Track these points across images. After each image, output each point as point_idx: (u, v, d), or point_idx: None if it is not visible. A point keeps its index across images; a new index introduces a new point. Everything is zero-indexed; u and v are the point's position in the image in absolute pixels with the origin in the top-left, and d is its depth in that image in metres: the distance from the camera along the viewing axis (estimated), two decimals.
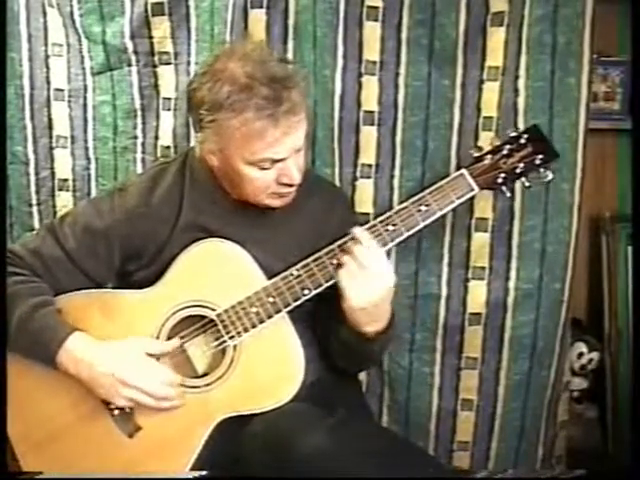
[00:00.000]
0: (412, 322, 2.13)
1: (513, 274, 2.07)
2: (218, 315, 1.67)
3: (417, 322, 2.13)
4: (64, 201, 2.18)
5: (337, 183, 2.04)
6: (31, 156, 2.17)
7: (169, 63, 2.08)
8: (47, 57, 2.12)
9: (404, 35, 1.99)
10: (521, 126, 1.94)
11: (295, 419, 1.59)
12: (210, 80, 1.59)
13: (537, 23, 1.93)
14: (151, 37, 2.06)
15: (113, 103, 2.12)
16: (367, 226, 1.69)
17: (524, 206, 2.03)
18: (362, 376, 2.14)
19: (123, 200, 1.74)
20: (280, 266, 1.69)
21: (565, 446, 2.28)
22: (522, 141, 1.73)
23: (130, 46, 2.07)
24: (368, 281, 1.62)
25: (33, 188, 2.18)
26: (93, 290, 1.74)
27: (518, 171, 1.74)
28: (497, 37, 1.95)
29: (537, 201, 2.02)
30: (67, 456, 1.71)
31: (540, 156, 1.73)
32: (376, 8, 1.97)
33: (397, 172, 2.05)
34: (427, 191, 1.72)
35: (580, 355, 2.44)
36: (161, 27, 2.05)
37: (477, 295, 2.09)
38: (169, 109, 2.09)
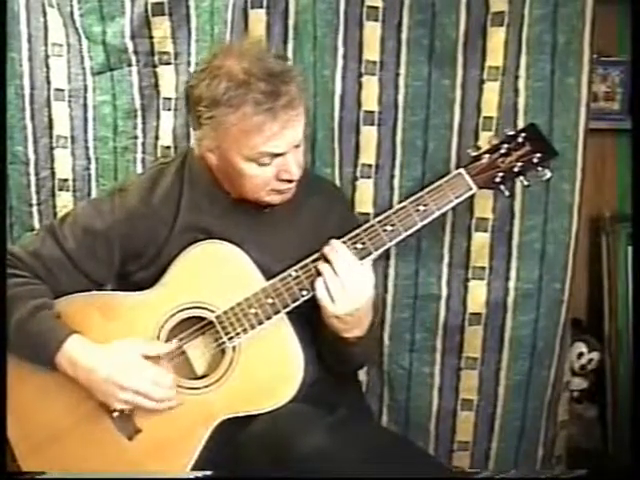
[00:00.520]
0: (412, 322, 2.13)
1: (513, 274, 2.07)
2: (217, 317, 1.67)
3: (417, 322, 2.13)
4: (64, 201, 2.18)
5: (337, 183, 2.04)
6: (31, 156, 2.17)
7: (169, 63, 2.08)
8: (47, 57, 2.12)
9: (404, 35, 1.98)
10: (521, 126, 1.94)
11: (295, 419, 1.59)
12: (208, 77, 1.59)
13: (537, 23, 1.93)
14: (151, 37, 2.06)
15: (113, 103, 2.12)
16: (365, 226, 1.69)
17: (524, 206, 2.03)
18: (362, 376, 2.14)
19: (123, 201, 1.74)
20: (279, 266, 1.69)
21: (565, 446, 2.28)
22: (520, 140, 1.73)
23: (130, 46, 2.07)
24: (343, 291, 1.63)
25: (33, 188, 2.18)
26: (93, 292, 1.74)
27: (516, 170, 1.73)
28: (497, 37, 1.94)
29: (537, 201, 2.02)
30: (67, 458, 1.71)
31: (538, 155, 1.73)
32: (376, 8, 1.97)
33: (397, 172, 2.05)
34: (425, 191, 1.72)
35: (580, 355, 2.44)
36: (161, 27, 2.05)
37: (477, 295, 2.09)
38: (169, 109, 2.09)
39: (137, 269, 1.76)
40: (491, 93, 1.98)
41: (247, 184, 1.67)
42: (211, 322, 1.68)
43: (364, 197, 2.06)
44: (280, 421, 1.60)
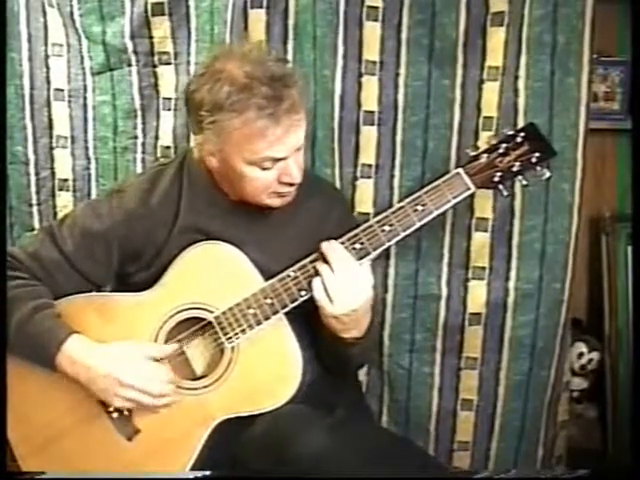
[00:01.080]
0: (412, 322, 2.13)
1: (513, 274, 2.07)
2: (216, 317, 1.67)
3: (417, 322, 2.13)
4: (64, 201, 2.18)
5: (337, 183, 2.04)
6: (31, 156, 2.17)
7: (169, 63, 2.08)
8: (47, 57, 2.12)
9: (404, 35, 1.98)
10: (520, 126, 1.94)
11: (294, 420, 1.60)
12: (209, 81, 1.59)
13: (537, 23, 1.93)
14: (151, 37, 2.06)
15: (113, 103, 2.13)
16: (363, 227, 1.68)
17: (524, 206, 2.03)
18: (362, 376, 2.14)
19: (121, 202, 1.74)
20: (278, 267, 1.69)
21: (565, 446, 2.28)
22: (518, 139, 1.72)
23: (130, 46, 2.07)
24: (340, 291, 1.63)
25: (33, 188, 2.19)
26: (92, 293, 1.75)
27: (515, 170, 1.72)
28: (497, 37, 1.94)
29: (537, 201, 2.02)
30: (66, 458, 1.71)
31: (537, 154, 1.72)
32: (376, 8, 1.97)
33: (397, 172, 2.05)
34: (423, 191, 1.71)
35: (580, 355, 2.44)
36: (161, 27, 2.05)
37: (477, 295, 2.09)
38: (169, 109, 2.09)
39: (136, 270, 1.76)
40: (491, 93, 1.98)
41: (248, 187, 1.66)
42: (210, 323, 1.68)
43: (364, 197, 2.06)
44: (280, 422, 1.61)
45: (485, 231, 2.06)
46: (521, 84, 1.97)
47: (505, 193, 1.76)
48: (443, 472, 1.78)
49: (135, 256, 1.75)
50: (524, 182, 1.75)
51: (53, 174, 2.18)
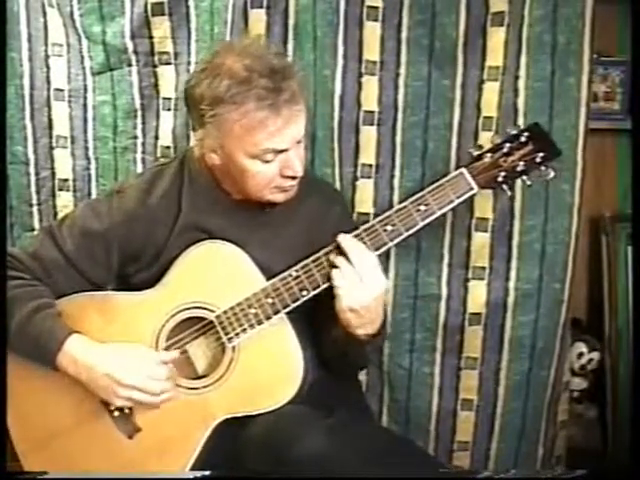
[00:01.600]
0: (412, 322, 2.13)
1: (513, 274, 2.07)
2: (217, 317, 1.67)
3: (417, 322, 2.13)
4: (64, 201, 2.18)
5: (337, 183, 2.04)
6: (31, 156, 2.17)
7: (169, 63, 2.08)
8: (47, 57, 2.12)
9: (404, 35, 1.99)
10: (521, 126, 1.94)
11: (295, 421, 1.59)
12: (209, 76, 1.59)
13: (537, 23, 1.93)
14: (151, 37, 2.06)
15: (113, 103, 2.13)
16: (366, 226, 1.68)
17: (524, 206, 2.03)
18: (362, 376, 2.14)
19: (121, 202, 1.74)
20: (280, 265, 1.69)
21: (565, 446, 2.28)
22: (523, 139, 1.72)
23: (130, 46, 2.07)
24: (360, 283, 1.62)
25: (33, 188, 2.19)
26: (93, 292, 1.75)
27: (519, 169, 1.72)
28: (497, 37, 1.94)
29: (537, 201, 2.02)
30: (67, 456, 1.72)
31: (541, 154, 1.71)
32: (376, 8, 1.97)
33: (397, 172, 2.05)
34: (426, 190, 1.71)
35: (580, 355, 2.44)
36: (161, 27, 2.05)
37: (477, 295, 2.09)
38: (169, 109, 2.09)
39: (136, 270, 1.76)
40: (491, 93, 1.98)
41: (250, 182, 1.66)
42: (211, 322, 1.68)
43: (364, 197, 2.06)
44: (280, 423, 1.60)
45: (485, 231, 2.06)
46: (521, 84, 1.97)
47: (509, 193, 1.76)
48: (443, 472, 1.77)
49: (135, 256, 1.75)
50: (528, 182, 1.74)
51: (53, 174, 2.18)
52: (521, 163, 1.72)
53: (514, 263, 2.07)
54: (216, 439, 1.67)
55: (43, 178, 2.18)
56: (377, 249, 1.68)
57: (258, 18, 1.97)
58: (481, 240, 2.06)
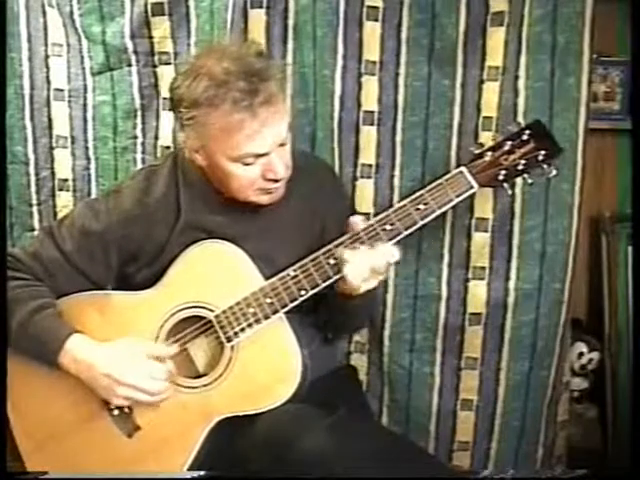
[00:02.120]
0: (412, 322, 2.13)
1: (513, 274, 2.07)
2: (216, 316, 1.67)
3: (417, 322, 2.13)
4: (64, 201, 2.19)
5: None
6: (31, 156, 2.17)
7: (169, 63, 2.08)
8: (47, 57, 2.13)
9: (404, 35, 1.99)
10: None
11: (295, 420, 1.60)
12: (189, 78, 1.60)
13: (537, 23, 1.93)
14: (151, 37, 2.07)
15: (113, 103, 2.13)
16: (365, 225, 1.68)
17: (524, 206, 2.03)
18: (362, 376, 2.15)
19: (118, 202, 1.75)
20: (281, 253, 1.70)
21: (565, 446, 2.28)
22: (524, 137, 1.70)
23: (130, 46, 2.07)
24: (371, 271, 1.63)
25: (33, 188, 2.19)
26: (93, 292, 1.75)
27: (520, 168, 1.71)
28: (497, 37, 1.94)
29: (537, 201, 2.02)
30: (68, 455, 1.72)
31: (543, 152, 1.70)
32: (376, 8, 1.97)
33: (397, 172, 2.06)
34: (425, 189, 1.70)
35: (580, 355, 2.43)
36: (161, 27, 2.05)
37: (477, 295, 2.09)
38: (169, 109, 2.08)
39: (136, 270, 1.76)
40: (491, 93, 1.98)
41: (233, 184, 1.67)
42: (210, 321, 1.68)
43: (364, 197, 2.06)
44: (280, 422, 1.61)
45: (485, 231, 2.06)
46: (521, 84, 1.97)
47: (509, 192, 1.76)
48: (443, 472, 1.77)
49: (134, 255, 1.75)
50: (529, 180, 1.74)
51: (53, 174, 2.19)
52: (522, 161, 1.71)
53: (514, 263, 2.07)
54: (215, 438, 1.67)
55: (43, 178, 2.18)
56: None
57: (258, 18, 1.98)
58: (481, 240, 2.06)
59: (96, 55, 2.09)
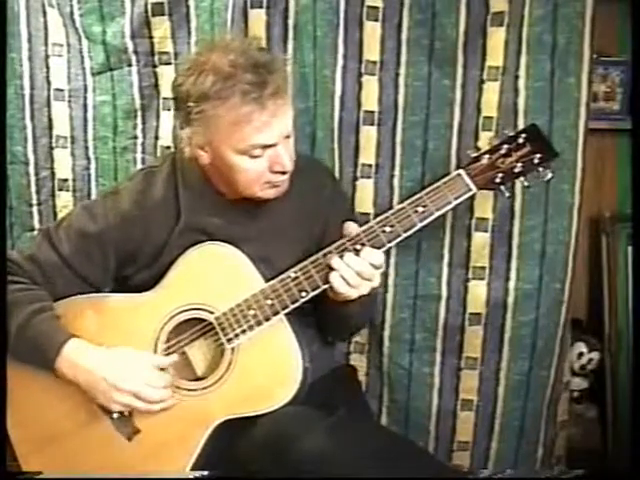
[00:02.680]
0: (412, 322, 2.13)
1: (513, 274, 2.07)
2: (216, 318, 1.67)
3: (417, 322, 2.13)
4: (64, 201, 2.19)
5: None
6: (31, 156, 2.17)
7: (169, 63, 2.08)
8: (47, 57, 2.12)
9: (404, 35, 1.98)
10: (521, 126, 1.94)
11: (295, 421, 1.60)
12: (194, 73, 1.60)
13: (537, 23, 1.93)
14: (151, 37, 2.07)
15: (113, 103, 2.13)
16: (364, 228, 1.68)
17: (524, 206, 2.03)
18: (362, 376, 2.15)
19: (116, 203, 1.75)
20: (281, 255, 1.71)
21: (565, 446, 2.28)
22: (520, 141, 1.71)
23: (130, 46, 2.07)
24: (359, 278, 1.64)
25: (33, 188, 2.19)
26: (92, 294, 1.75)
27: (516, 171, 1.71)
28: (497, 37, 1.94)
29: (537, 201, 2.02)
30: (67, 458, 1.72)
31: (539, 155, 1.71)
32: (376, 8, 1.97)
33: (397, 172, 2.05)
34: (424, 192, 1.70)
35: (580, 355, 2.44)
36: (161, 27, 2.05)
37: (477, 295, 2.09)
38: (169, 109, 2.09)
39: (134, 272, 1.76)
40: (491, 93, 1.98)
41: (240, 179, 1.67)
42: (210, 324, 1.69)
43: (364, 197, 2.06)
44: (281, 423, 1.61)
45: (485, 231, 2.05)
46: (521, 84, 1.96)
47: (507, 194, 1.76)
48: (444, 472, 1.77)
49: (132, 257, 1.75)
50: (526, 183, 1.74)
51: (53, 174, 2.19)
52: (518, 164, 1.71)
53: (514, 263, 2.07)
54: (215, 440, 1.67)
55: (43, 178, 2.18)
56: None
57: (258, 18, 1.97)
58: (481, 240, 2.06)
59: (96, 55, 2.09)
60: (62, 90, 2.14)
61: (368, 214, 2.04)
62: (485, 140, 1.87)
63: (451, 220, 2.05)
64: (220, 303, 1.67)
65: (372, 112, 2.03)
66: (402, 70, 2.00)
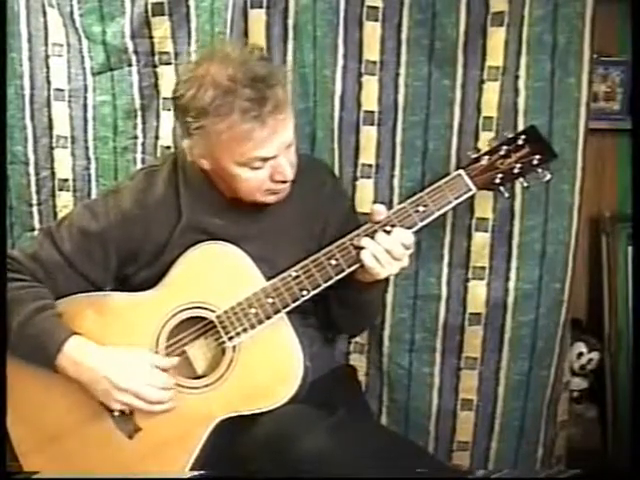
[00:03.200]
0: (412, 322, 2.13)
1: (513, 274, 2.07)
2: (218, 316, 1.67)
3: (417, 322, 2.13)
4: (64, 201, 2.18)
5: None
6: (31, 156, 2.17)
7: (169, 63, 2.08)
8: (47, 57, 2.12)
9: (404, 35, 1.98)
10: (521, 126, 1.94)
11: (295, 420, 1.60)
12: (193, 86, 1.59)
13: (537, 23, 1.93)
14: (151, 37, 2.07)
15: (113, 103, 2.13)
16: (365, 227, 1.69)
17: (524, 206, 2.03)
18: (361, 376, 2.14)
19: (117, 202, 1.75)
20: (282, 255, 1.71)
21: (565, 446, 2.28)
22: (519, 142, 1.72)
23: (130, 46, 2.07)
24: (390, 258, 1.66)
25: (33, 188, 2.19)
26: (93, 293, 1.75)
27: (516, 172, 1.73)
28: (497, 37, 1.94)
29: (537, 201, 2.02)
30: (68, 457, 1.72)
31: (538, 156, 1.72)
32: (376, 8, 1.97)
33: (397, 172, 2.05)
34: (424, 192, 1.71)
35: (580, 355, 2.44)
36: (161, 27, 2.05)
37: (477, 295, 2.09)
38: (169, 109, 2.08)
39: (135, 271, 1.76)
40: (491, 93, 1.98)
41: (242, 187, 1.67)
42: (212, 322, 1.69)
43: (364, 197, 2.06)
44: (282, 422, 1.61)
45: (485, 231, 2.06)
46: (521, 84, 1.97)
47: (506, 195, 1.76)
48: (444, 472, 1.77)
49: (133, 256, 1.75)
50: (525, 184, 1.75)
51: (53, 174, 2.18)
52: (518, 165, 1.72)
53: (514, 263, 2.07)
54: (216, 439, 1.67)
55: (43, 178, 2.18)
56: None
57: (258, 18, 1.97)
58: (481, 240, 2.06)
59: (96, 55, 2.09)
60: (62, 90, 2.14)
61: (368, 214, 2.03)
62: (485, 141, 1.87)
63: (451, 220, 2.05)
64: (221, 301, 1.67)
65: (372, 112, 2.03)
66: (402, 70, 2.00)
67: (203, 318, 1.70)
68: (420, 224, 1.70)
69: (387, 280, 1.80)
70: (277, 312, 1.66)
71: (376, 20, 1.98)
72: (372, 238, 1.66)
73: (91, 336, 1.68)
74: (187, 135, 1.64)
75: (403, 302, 2.12)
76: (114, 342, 1.69)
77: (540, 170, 1.74)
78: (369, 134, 2.04)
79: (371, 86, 2.01)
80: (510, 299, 2.08)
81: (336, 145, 2.03)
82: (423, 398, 2.17)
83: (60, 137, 2.16)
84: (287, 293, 1.66)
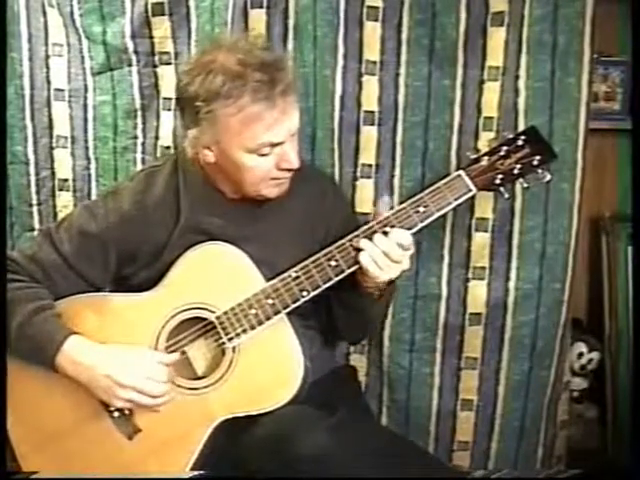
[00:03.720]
0: (412, 322, 2.13)
1: (513, 274, 2.08)
2: (217, 317, 1.67)
3: (417, 322, 2.13)
4: (64, 201, 2.18)
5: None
6: (31, 156, 2.17)
7: (169, 63, 2.08)
8: (47, 57, 2.12)
9: (404, 35, 1.99)
10: (521, 126, 1.95)
11: (296, 421, 1.60)
12: (201, 73, 1.60)
13: (537, 23, 1.93)
14: (151, 37, 2.06)
15: (113, 103, 2.12)
16: (364, 228, 1.68)
17: (524, 206, 2.03)
18: (362, 376, 2.14)
19: (116, 203, 1.75)
20: (282, 258, 1.70)
21: (565, 446, 2.28)
22: (519, 143, 1.72)
23: (130, 46, 2.07)
24: (388, 260, 1.65)
25: (33, 188, 2.19)
26: (93, 294, 1.75)
27: (515, 172, 1.72)
28: (497, 37, 1.95)
29: (537, 201, 2.02)
30: (67, 457, 1.72)
31: (538, 157, 1.72)
32: (376, 8, 1.97)
33: (397, 172, 2.06)
34: (424, 192, 1.71)
35: (580, 355, 2.44)
36: (161, 27, 2.05)
37: (477, 295, 2.09)
38: (169, 109, 2.09)
39: (134, 272, 1.76)
40: (491, 93, 1.98)
41: (247, 177, 1.67)
42: (211, 323, 1.68)
43: (364, 197, 2.06)
44: (282, 422, 1.61)
45: (485, 231, 2.06)
46: (521, 84, 1.97)
47: (506, 196, 1.76)
48: (444, 472, 1.77)
49: (132, 257, 1.75)
50: (525, 185, 1.75)
51: (53, 174, 2.18)
52: (518, 166, 1.72)
53: (514, 263, 2.07)
54: (216, 439, 1.67)
55: (43, 178, 2.18)
56: None
57: (258, 18, 1.98)
58: (481, 240, 2.06)
59: (96, 55, 2.09)
60: (62, 90, 2.14)
61: (368, 214, 2.03)
62: (485, 141, 1.88)
63: (451, 220, 2.05)
64: (221, 302, 1.67)
65: (372, 112, 2.03)
66: (402, 70, 2.01)
67: (203, 319, 1.70)
68: (420, 225, 1.70)
69: (393, 286, 1.77)
70: (277, 313, 1.66)
71: (376, 20, 1.98)
72: (370, 240, 1.66)
73: (90, 337, 1.67)
74: (194, 123, 1.64)
75: (403, 302, 2.12)
76: (113, 343, 1.68)
77: (540, 171, 1.73)
78: (369, 134, 2.04)
79: (371, 86, 2.01)
80: (510, 299, 2.09)
81: (336, 145, 2.03)
82: (423, 398, 2.17)
83: (60, 137, 2.16)
84: (287, 294, 1.66)
